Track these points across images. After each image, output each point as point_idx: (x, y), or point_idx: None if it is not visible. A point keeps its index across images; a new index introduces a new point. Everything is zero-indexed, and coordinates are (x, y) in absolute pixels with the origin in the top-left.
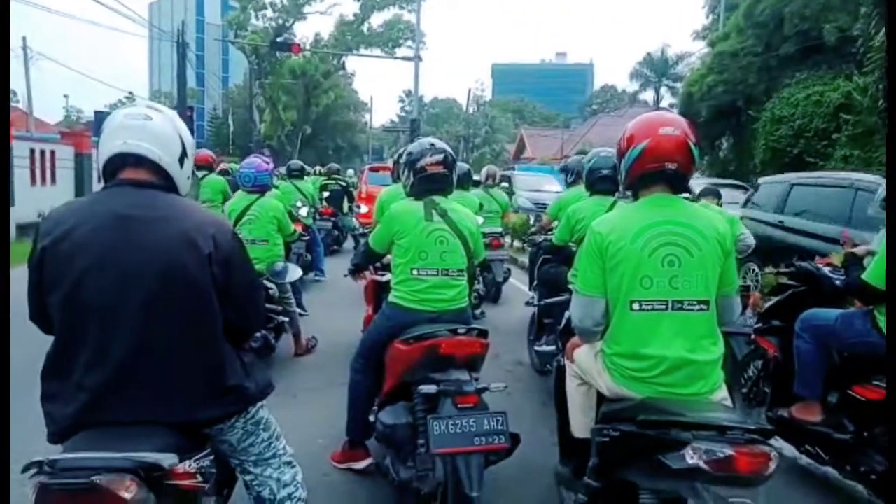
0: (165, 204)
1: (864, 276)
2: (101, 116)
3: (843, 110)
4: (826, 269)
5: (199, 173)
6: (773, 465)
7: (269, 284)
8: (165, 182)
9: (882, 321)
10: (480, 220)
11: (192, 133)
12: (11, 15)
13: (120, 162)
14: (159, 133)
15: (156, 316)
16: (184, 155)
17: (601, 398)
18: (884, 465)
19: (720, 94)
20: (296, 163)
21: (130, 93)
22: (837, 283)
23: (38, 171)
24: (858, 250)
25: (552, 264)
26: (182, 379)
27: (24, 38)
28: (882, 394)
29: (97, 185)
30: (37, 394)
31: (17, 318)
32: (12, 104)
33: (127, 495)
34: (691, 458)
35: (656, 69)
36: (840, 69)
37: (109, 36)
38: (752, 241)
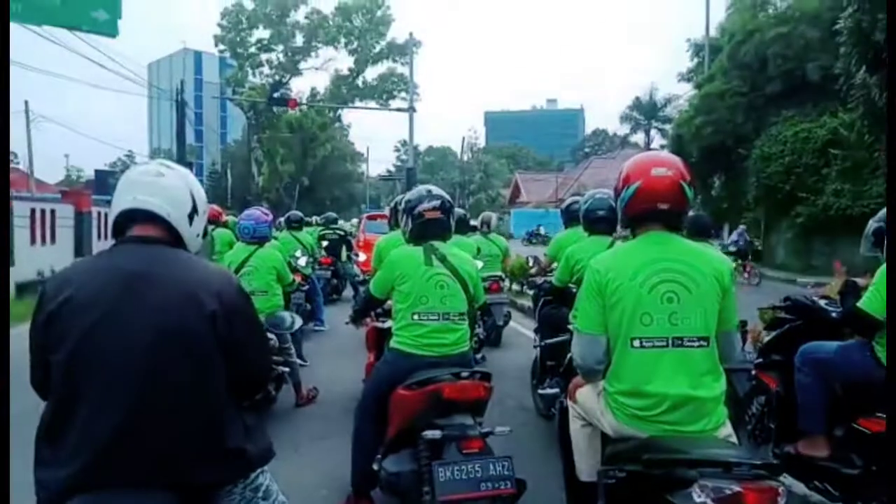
0: (169, 260)
1: (859, 304)
2: (101, 175)
3: (831, 146)
4: (822, 302)
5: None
6: (781, 501)
7: (269, 335)
8: (174, 239)
9: (881, 352)
10: (480, 263)
11: None
12: (13, 77)
13: (130, 218)
14: (170, 189)
15: (156, 376)
16: (194, 212)
17: (605, 439)
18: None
19: (709, 135)
20: (295, 214)
21: (130, 151)
22: (833, 314)
23: (38, 231)
24: (860, 281)
25: (553, 305)
26: (181, 440)
27: (26, 102)
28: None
29: (97, 243)
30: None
31: (19, 375)
32: (13, 165)
33: None
34: (699, 496)
35: (645, 112)
36: (825, 106)
37: (109, 96)
38: None
